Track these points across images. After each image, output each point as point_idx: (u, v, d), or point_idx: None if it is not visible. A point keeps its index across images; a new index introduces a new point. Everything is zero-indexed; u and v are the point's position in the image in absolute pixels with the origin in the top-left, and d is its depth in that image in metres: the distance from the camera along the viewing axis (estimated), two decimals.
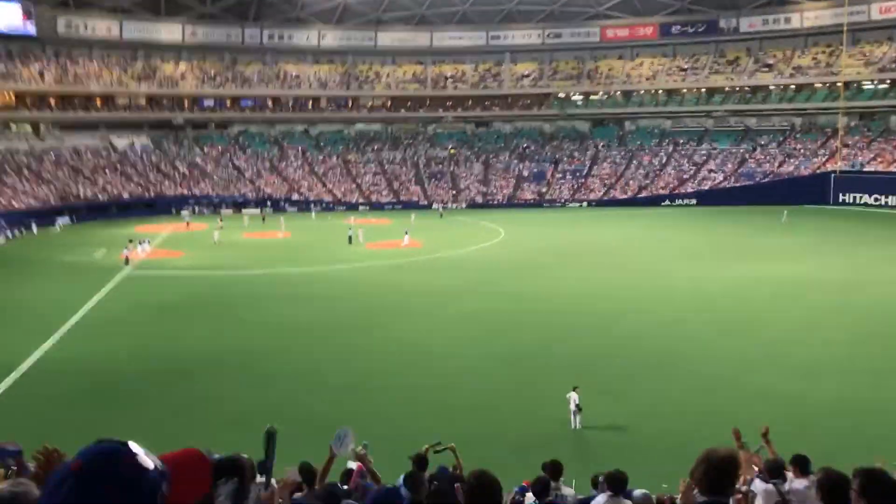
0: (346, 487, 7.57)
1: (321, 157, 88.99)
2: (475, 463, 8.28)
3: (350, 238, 52.55)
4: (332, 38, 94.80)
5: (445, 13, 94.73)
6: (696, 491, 3.64)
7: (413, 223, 58.72)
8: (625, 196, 79.73)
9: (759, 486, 7.05)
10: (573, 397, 18.93)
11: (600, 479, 8.90)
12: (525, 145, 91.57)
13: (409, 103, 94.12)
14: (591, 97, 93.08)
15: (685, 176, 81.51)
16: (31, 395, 21.58)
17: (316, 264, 44.24)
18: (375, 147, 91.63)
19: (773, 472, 7.38)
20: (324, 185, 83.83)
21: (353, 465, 7.92)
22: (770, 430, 8.98)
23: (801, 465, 7.72)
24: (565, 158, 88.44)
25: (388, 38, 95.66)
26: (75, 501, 1.42)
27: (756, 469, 8.60)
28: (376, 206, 79.44)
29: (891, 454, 10.18)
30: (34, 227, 62.34)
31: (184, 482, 1.59)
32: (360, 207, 78.33)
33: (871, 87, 78.40)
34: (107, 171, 77.63)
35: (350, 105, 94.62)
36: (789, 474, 7.63)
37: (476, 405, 20.52)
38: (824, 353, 24.90)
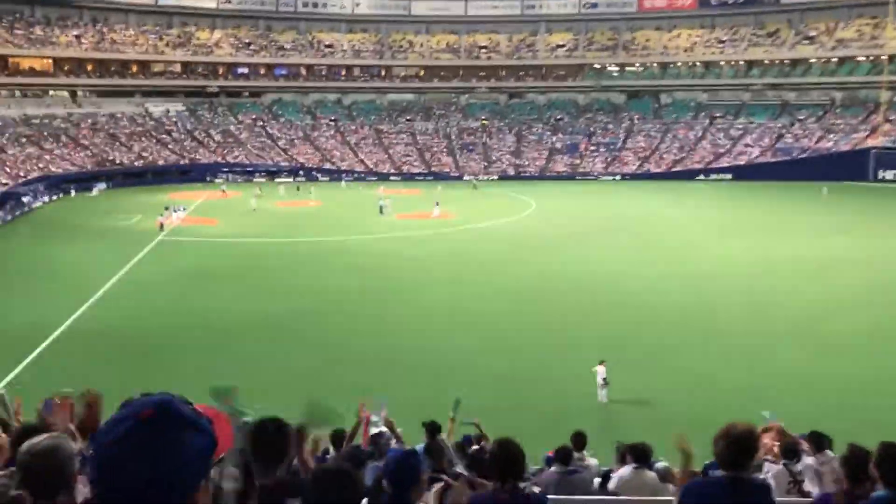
0: (366, 447, 7.77)
1: (353, 127, 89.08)
2: (501, 433, 8.37)
3: (381, 208, 52.68)
4: (365, 5, 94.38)
5: None
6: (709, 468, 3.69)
7: (440, 194, 58.37)
8: (659, 170, 78.78)
9: (769, 468, 7.06)
10: (600, 371, 18.98)
11: (625, 451, 8.94)
12: (558, 117, 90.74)
13: (442, 73, 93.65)
14: (627, 69, 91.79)
15: (721, 150, 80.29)
16: (69, 354, 22.13)
17: (346, 233, 44.52)
18: (408, 117, 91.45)
19: (785, 453, 7.38)
20: (356, 154, 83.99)
21: (374, 430, 8.11)
22: (794, 407, 8.95)
23: (817, 443, 7.71)
24: (599, 131, 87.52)
25: (423, 7, 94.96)
26: (155, 447, 1.45)
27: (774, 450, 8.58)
28: (407, 177, 79.40)
29: None
30: (73, 192, 63.62)
31: (217, 433, 1.64)
32: (392, 178, 78.40)
33: None
34: (142, 137, 78.54)
35: (383, 74, 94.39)
36: (804, 453, 7.62)
37: (503, 377, 20.63)
38: (853, 330, 24.55)
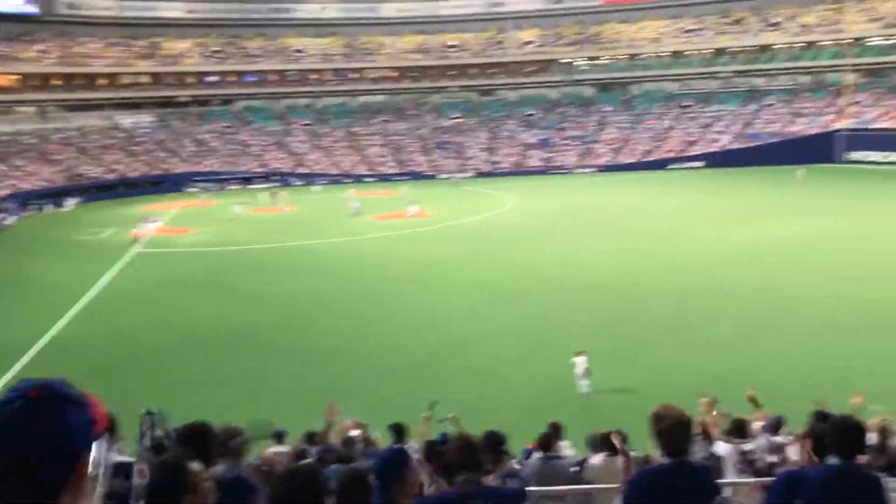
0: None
1: (326, 130, 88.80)
2: (483, 427, 8.47)
3: (356, 210, 52.61)
4: (333, 9, 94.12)
5: None
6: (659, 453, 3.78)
7: (409, 193, 57.96)
8: (632, 161, 79.30)
9: (721, 447, 7.18)
10: (579, 361, 19.08)
11: (596, 440, 9.05)
12: (530, 113, 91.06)
13: (412, 74, 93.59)
14: (596, 62, 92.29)
15: (692, 138, 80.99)
16: (50, 369, 21.61)
17: (322, 237, 44.41)
18: (381, 119, 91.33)
19: (734, 431, 7.49)
20: (330, 158, 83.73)
21: (355, 432, 8.19)
22: (781, 388, 9.11)
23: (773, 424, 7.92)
24: (571, 125, 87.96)
25: (390, 9, 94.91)
26: (46, 421, 1.60)
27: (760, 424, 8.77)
28: (383, 178, 79.25)
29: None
30: (46, 208, 63.01)
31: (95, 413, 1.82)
32: (367, 179, 78.22)
33: (878, 42, 77.53)
34: (113, 150, 77.79)
35: (354, 77, 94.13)
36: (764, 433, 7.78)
37: (483, 372, 20.75)
38: (835, 310, 24.84)
